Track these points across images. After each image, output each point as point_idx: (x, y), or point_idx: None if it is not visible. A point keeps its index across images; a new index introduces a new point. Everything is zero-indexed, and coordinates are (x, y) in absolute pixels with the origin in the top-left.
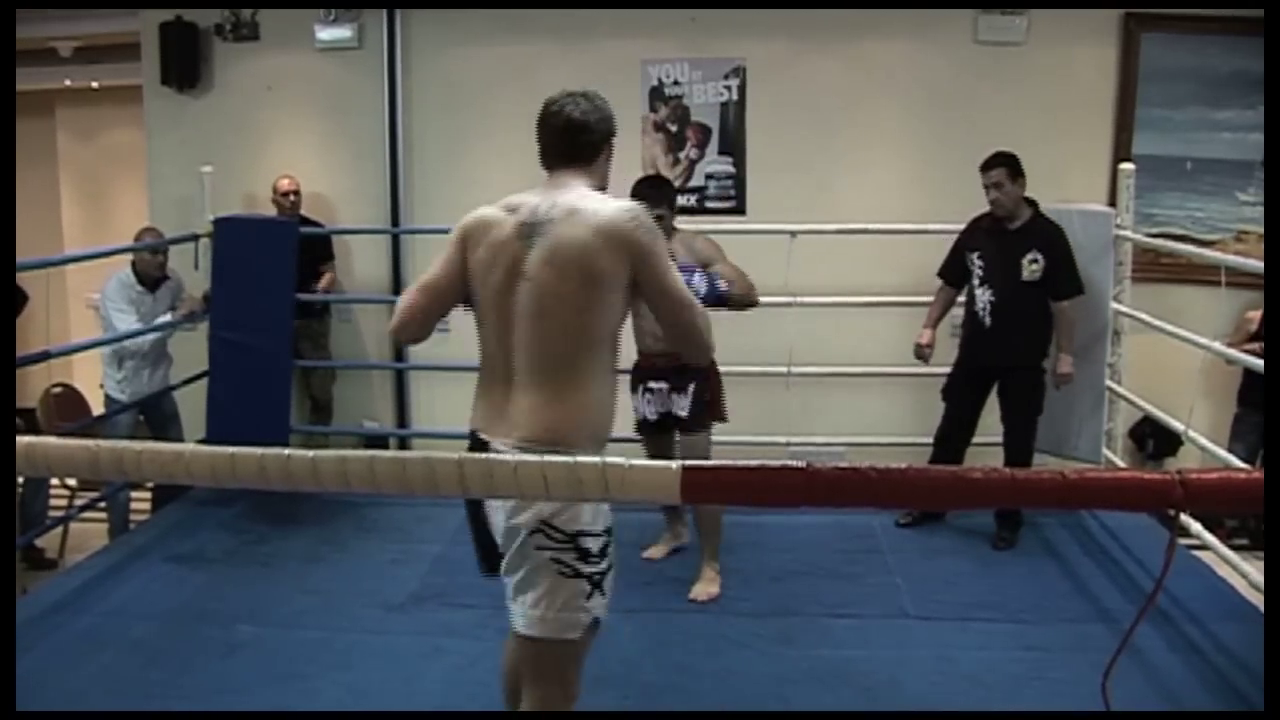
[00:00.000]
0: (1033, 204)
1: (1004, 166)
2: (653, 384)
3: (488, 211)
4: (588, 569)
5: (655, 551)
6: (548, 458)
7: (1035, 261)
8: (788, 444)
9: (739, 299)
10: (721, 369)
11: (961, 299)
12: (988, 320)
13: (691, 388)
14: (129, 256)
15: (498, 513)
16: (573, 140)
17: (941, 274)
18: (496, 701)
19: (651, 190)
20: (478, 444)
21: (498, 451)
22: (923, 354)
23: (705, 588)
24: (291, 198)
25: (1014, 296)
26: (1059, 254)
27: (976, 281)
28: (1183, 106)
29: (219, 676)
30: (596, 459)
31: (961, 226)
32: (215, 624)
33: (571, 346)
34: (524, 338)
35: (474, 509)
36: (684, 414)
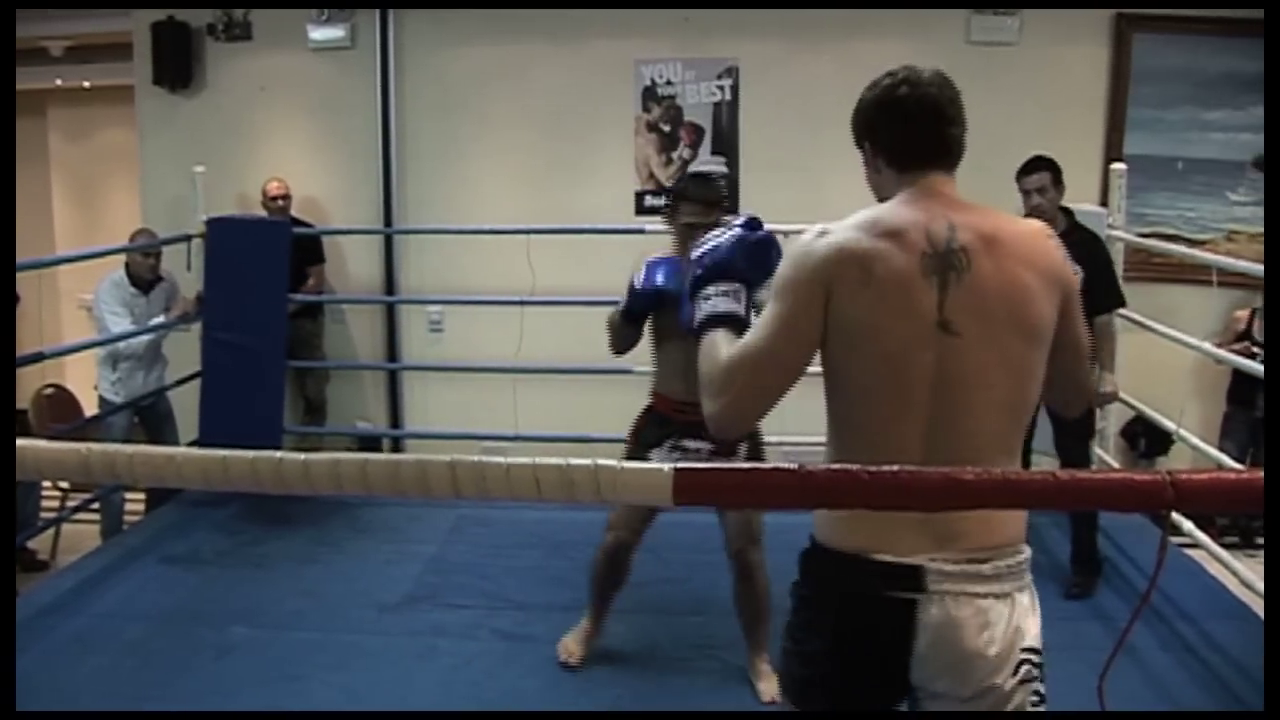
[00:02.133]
0: (1068, 213)
1: (1048, 171)
2: (689, 443)
3: (855, 237)
4: (1045, 685)
5: (574, 647)
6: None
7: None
8: (780, 444)
9: None
10: None
11: None
12: None
13: (743, 449)
14: (122, 258)
15: (949, 651)
16: (951, 130)
17: None
18: (490, 701)
19: (698, 184)
20: (891, 574)
21: (940, 575)
22: None
23: (775, 685)
24: (280, 202)
25: None
26: (1098, 265)
27: None
28: (1174, 107)
29: (213, 678)
30: (588, 461)
31: None
32: (209, 625)
33: (1012, 427)
34: (951, 413)
35: (865, 649)
36: None
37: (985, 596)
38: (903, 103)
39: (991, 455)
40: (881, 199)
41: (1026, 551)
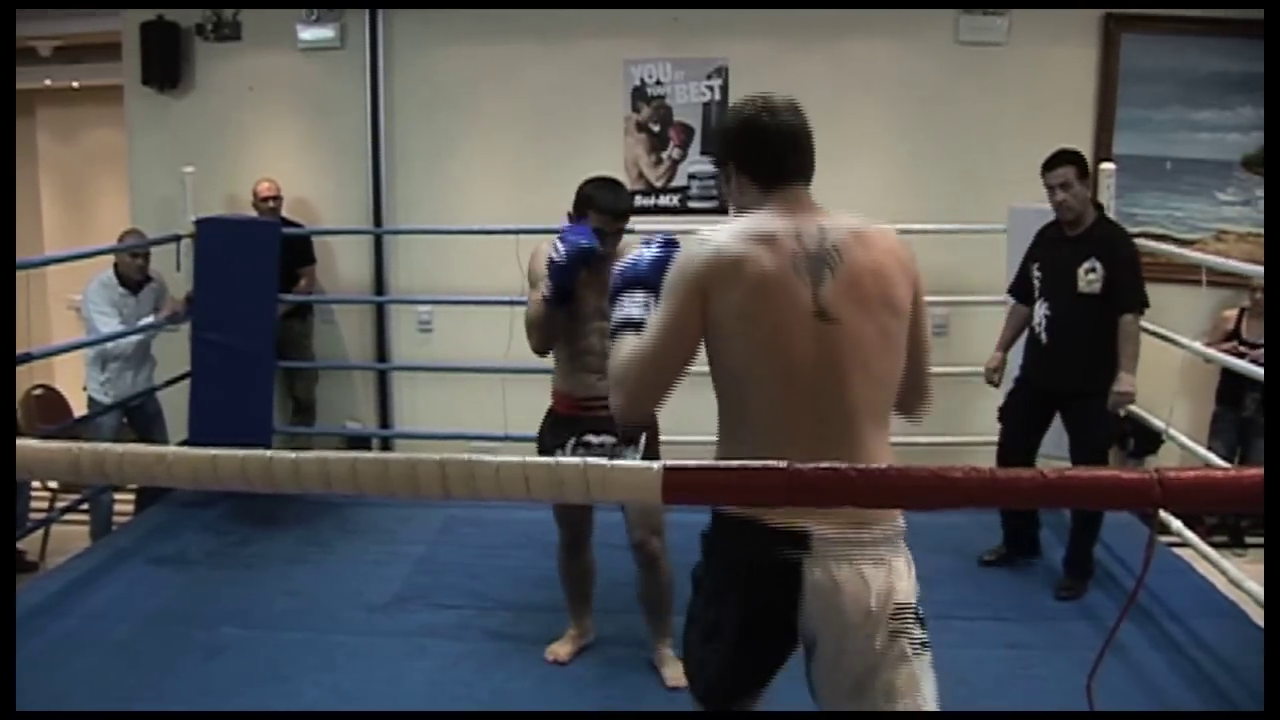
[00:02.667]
0: (1099, 207)
1: (1072, 165)
2: (592, 437)
3: (730, 244)
4: (926, 634)
5: (562, 651)
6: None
7: (1093, 270)
8: None
9: None
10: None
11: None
12: (1044, 337)
13: (643, 438)
14: (111, 258)
15: (830, 609)
16: (809, 151)
17: (1011, 291)
18: (480, 702)
19: (607, 193)
20: (781, 537)
21: (825, 540)
22: (990, 379)
23: (679, 671)
24: (271, 203)
25: (1071, 310)
26: (1120, 262)
27: (1037, 294)
28: (1162, 107)
29: (202, 679)
30: (577, 460)
31: (943, 226)
32: (198, 626)
33: (886, 397)
34: (835, 389)
35: (762, 604)
36: None
37: (864, 561)
38: (765, 129)
39: (868, 425)
40: (742, 212)
41: (902, 523)
